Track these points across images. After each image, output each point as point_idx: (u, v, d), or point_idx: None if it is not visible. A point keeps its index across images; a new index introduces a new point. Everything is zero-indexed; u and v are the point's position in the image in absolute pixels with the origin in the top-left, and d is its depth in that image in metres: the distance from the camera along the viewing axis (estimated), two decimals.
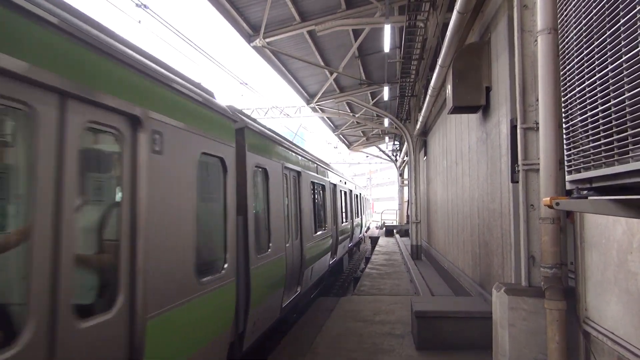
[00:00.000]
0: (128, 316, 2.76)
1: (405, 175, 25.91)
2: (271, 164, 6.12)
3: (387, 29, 9.49)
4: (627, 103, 1.54)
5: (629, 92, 1.52)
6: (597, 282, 3.44)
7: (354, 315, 7.66)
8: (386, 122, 20.72)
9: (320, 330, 6.77)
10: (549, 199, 2.31)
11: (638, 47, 1.46)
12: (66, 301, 2.25)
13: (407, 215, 20.36)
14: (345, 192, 14.89)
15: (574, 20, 2.01)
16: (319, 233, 9.49)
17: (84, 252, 2.61)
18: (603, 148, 1.74)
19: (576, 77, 2.00)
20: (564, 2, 2.14)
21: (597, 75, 1.77)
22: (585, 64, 1.89)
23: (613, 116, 1.65)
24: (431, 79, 8.73)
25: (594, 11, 1.78)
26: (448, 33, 6.52)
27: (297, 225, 7.67)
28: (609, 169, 1.68)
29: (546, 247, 3.82)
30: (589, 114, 1.86)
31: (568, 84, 2.13)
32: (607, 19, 1.66)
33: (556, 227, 3.80)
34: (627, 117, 1.55)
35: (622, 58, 1.56)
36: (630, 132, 1.54)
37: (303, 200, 8.04)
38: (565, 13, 2.14)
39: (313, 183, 9.24)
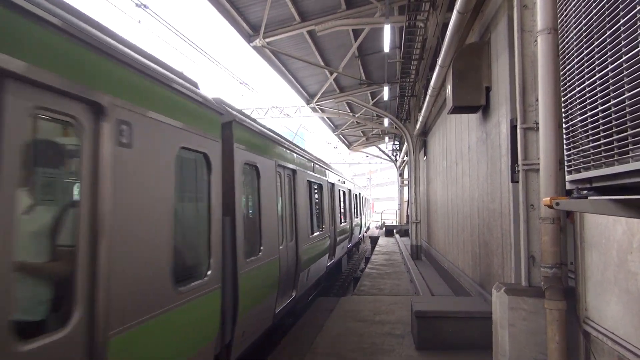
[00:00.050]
0: (86, 334, 2.40)
1: (405, 175, 25.92)
2: (263, 161, 5.76)
3: (387, 29, 9.49)
4: (627, 103, 1.54)
5: (629, 92, 1.52)
6: (597, 282, 3.44)
7: (353, 315, 7.66)
8: (386, 122, 20.73)
9: (320, 330, 6.77)
10: (549, 199, 2.31)
11: (638, 47, 1.46)
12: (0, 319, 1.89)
13: (407, 215, 20.36)
14: (344, 192, 14.76)
15: (574, 20, 2.01)
16: (316, 234, 9.18)
17: (30, 260, 2.30)
18: (603, 148, 1.74)
19: (576, 77, 2.00)
20: (564, 2, 2.14)
21: (597, 75, 1.77)
22: (585, 64, 1.89)
23: (613, 116, 1.64)
24: (431, 79, 8.73)
25: (594, 11, 1.78)
26: (448, 33, 6.52)
27: (292, 226, 7.34)
28: (609, 169, 1.68)
29: (546, 247, 3.82)
30: (589, 114, 1.86)
31: (568, 84, 2.13)
32: (607, 19, 1.66)
33: (556, 227, 3.80)
34: (627, 117, 1.55)
35: (622, 58, 1.56)
36: (630, 132, 1.54)
37: (299, 200, 7.73)
38: (565, 13, 2.14)
39: (310, 182, 8.95)
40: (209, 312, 3.88)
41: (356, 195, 19.43)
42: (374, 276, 11.90)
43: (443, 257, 11.30)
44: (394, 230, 26.75)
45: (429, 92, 9.34)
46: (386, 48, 10.38)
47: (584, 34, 1.89)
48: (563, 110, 2.23)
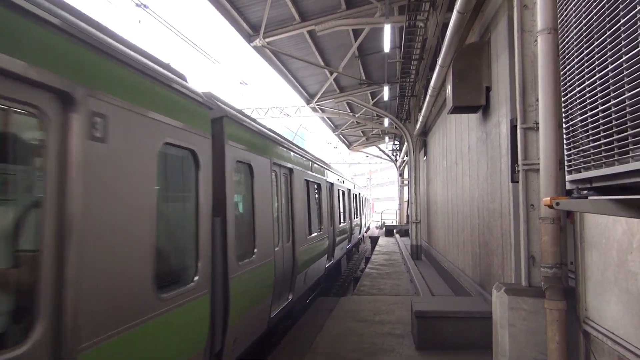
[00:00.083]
0: (50, 349, 2.16)
1: (405, 175, 25.93)
2: (257, 159, 5.52)
3: (387, 29, 9.49)
4: (627, 103, 1.54)
5: (629, 92, 1.52)
6: (597, 282, 3.44)
7: (354, 315, 7.66)
8: (386, 122, 20.73)
9: (320, 330, 6.77)
10: (549, 199, 2.31)
11: (638, 47, 1.46)
12: None
13: (407, 215, 20.36)
14: (343, 192, 14.65)
15: (574, 20, 2.01)
16: (313, 235, 8.95)
17: None
18: (603, 148, 1.74)
19: (576, 77, 2.00)
20: (564, 2, 2.14)
21: (597, 75, 1.77)
22: (585, 64, 1.89)
23: (613, 116, 1.64)
24: (431, 79, 8.73)
25: (594, 11, 1.78)
26: (448, 33, 6.52)
27: (289, 227, 7.09)
28: (609, 169, 1.68)
29: (546, 247, 3.82)
30: (589, 113, 1.86)
31: (568, 84, 2.13)
32: (607, 19, 1.66)
33: (556, 227, 3.80)
34: (627, 117, 1.55)
35: (622, 58, 1.56)
36: (630, 132, 1.54)
37: (295, 199, 7.48)
38: (565, 13, 2.14)
39: (307, 181, 8.72)
40: (196, 320, 3.66)
41: (356, 195, 19.37)
42: (374, 276, 11.90)
43: (443, 257, 11.30)
44: (394, 230, 26.76)
45: (429, 92, 9.34)
46: (386, 48, 10.38)
47: (584, 34, 1.89)
48: (563, 110, 2.23)
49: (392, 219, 38.66)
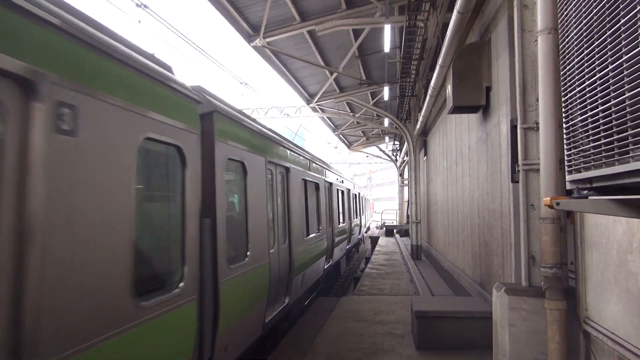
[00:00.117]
0: None
1: (405, 175, 25.94)
2: (251, 157, 5.25)
3: (387, 29, 9.49)
4: (627, 103, 1.54)
5: (629, 92, 1.52)
6: (597, 282, 3.44)
7: (354, 315, 7.66)
8: (386, 122, 20.74)
9: (320, 330, 6.77)
10: (549, 198, 2.31)
11: (638, 47, 1.46)
12: None
13: (407, 215, 20.37)
14: (342, 192, 14.56)
15: (574, 20, 2.01)
16: (311, 236, 8.71)
17: None
18: (603, 148, 1.74)
19: (576, 77, 2.00)
20: (564, 2, 2.14)
21: (598, 75, 1.77)
22: (586, 64, 1.89)
23: (613, 116, 1.65)
24: (431, 79, 8.73)
25: (594, 11, 1.78)
26: (448, 33, 6.52)
27: (285, 228, 6.87)
28: (609, 169, 1.68)
29: (546, 247, 3.82)
30: (589, 113, 1.86)
31: (568, 84, 2.13)
32: (608, 19, 1.66)
33: (556, 227, 3.80)
34: (628, 117, 1.55)
35: (622, 58, 1.56)
36: (630, 132, 1.54)
37: (292, 199, 7.25)
38: (565, 13, 2.14)
39: (305, 181, 8.47)
40: (181, 329, 3.43)
41: (355, 195, 19.31)
42: (374, 276, 11.90)
43: (443, 257, 11.30)
44: (394, 230, 26.77)
45: (429, 92, 9.34)
46: (386, 48, 10.38)
47: (584, 34, 1.89)
48: (563, 110, 2.23)
49: (392, 219, 38.68)
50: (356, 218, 18.91)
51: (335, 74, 15.15)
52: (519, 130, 4.29)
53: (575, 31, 2.00)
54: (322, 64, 14.31)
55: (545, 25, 3.64)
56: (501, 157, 5.73)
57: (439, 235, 12.31)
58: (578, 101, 2.00)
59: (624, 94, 1.56)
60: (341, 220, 13.98)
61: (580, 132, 1.98)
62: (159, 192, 3.58)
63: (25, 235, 2.06)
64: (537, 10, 3.80)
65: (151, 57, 3.40)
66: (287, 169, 7.13)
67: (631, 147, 1.54)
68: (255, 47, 11.87)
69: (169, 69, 3.67)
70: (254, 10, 10.66)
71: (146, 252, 3.21)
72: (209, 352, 3.96)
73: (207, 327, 3.90)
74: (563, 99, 2.22)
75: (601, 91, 1.74)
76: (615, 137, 1.63)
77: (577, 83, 2.00)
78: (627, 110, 1.54)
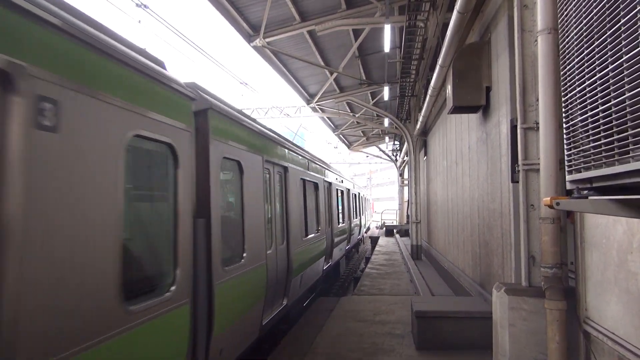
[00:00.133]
0: None
1: (405, 175, 25.95)
2: (247, 156, 5.13)
3: (387, 29, 9.50)
4: (627, 103, 1.54)
5: (630, 92, 1.52)
6: (597, 282, 3.44)
7: (354, 315, 7.66)
8: (386, 122, 20.74)
9: (320, 330, 6.77)
10: (549, 198, 2.31)
11: (638, 47, 1.46)
12: None
13: (407, 215, 20.37)
14: (342, 191, 14.49)
15: (574, 20, 2.01)
16: (310, 236, 8.58)
17: None
18: (603, 148, 1.74)
19: (576, 77, 2.00)
20: (564, 2, 2.14)
21: (598, 75, 1.77)
22: (586, 64, 1.89)
23: (613, 116, 1.65)
24: (431, 78, 8.73)
25: (595, 11, 1.78)
26: (448, 33, 6.52)
27: (283, 229, 6.74)
28: (609, 169, 1.68)
29: (546, 247, 3.82)
30: (590, 113, 1.86)
31: (568, 84, 2.13)
32: (608, 19, 1.66)
33: (556, 227, 3.80)
34: (628, 117, 1.55)
35: (622, 58, 1.56)
36: (630, 132, 1.54)
37: (290, 199, 7.13)
38: (565, 13, 2.14)
39: (304, 180, 8.36)
40: (172, 334, 3.32)
41: (355, 195, 19.26)
42: (374, 276, 11.90)
43: (443, 257, 11.30)
44: (394, 230, 26.77)
45: (429, 92, 9.34)
46: (386, 48, 10.39)
47: (585, 34, 1.89)
48: (563, 110, 2.23)
49: (392, 219, 38.69)
50: (356, 218, 18.86)
51: (335, 74, 15.15)
52: (519, 130, 4.29)
53: (575, 31, 2.00)
54: (322, 64, 14.31)
55: (545, 25, 3.64)
56: (501, 157, 5.73)
57: (439, 235, 12.31)
58: (578, 101, 2.00)
59: (624, 94, 1.56)
60: (341, 221, 13.93)
61: (580, 132, 1.98)
62: (149, 191, 3.47)
63: (1, 236, 1.96)
64: (537, 10, 3.80)
65: (142, 52, 3.30)
66: (285, 169, 7.03)
67: (631, 147, 1.54)
68: (255, 47, 11.88)
69: (161, 64, 3.58)
70: (254, 10, 10.66)
71: (135, 255, 3.11)
72: (203, 356, 3.88)
73: (200, 331, 3.79)
74: (563, 99, 2.22)
75: (601, 91, 1.74)
76: (615, 137, 1.63)
77: (577, 83, 2.00)
78: (627, 110, 1.54)
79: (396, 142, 28.84)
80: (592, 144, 1.85)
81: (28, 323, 2.03)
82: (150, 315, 2.96)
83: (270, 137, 6.26)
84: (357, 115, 22.49)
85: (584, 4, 1.89)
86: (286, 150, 7.17)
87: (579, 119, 1.99)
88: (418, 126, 13.70)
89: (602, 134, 1.74)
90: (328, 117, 22.87)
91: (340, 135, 27.64)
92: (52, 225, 2.19)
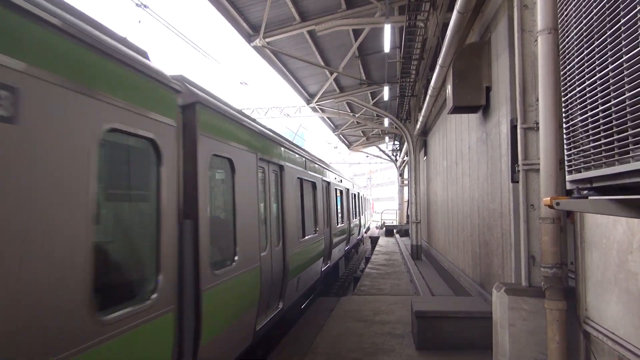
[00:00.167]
0: None
1: (405, 175, 25.95)
2: (239, 153, 4.87)
3: (387, 29, 9.50)
4: (627, 103, 1.54)
5: (630, 92, 1.52)
6: (597, 282, 3.44)
7: (354, 315, 7.66)
8: (386, 122, 20.74)
9: (320, 330, 6.77)
10: (549, 198, 2.31)
11: (638, 47, 1.46)
12: None
13: (407, 215, 20.37)
14: (341, 191, 14.36)
15: (574, 20, 2.01)
16: (308, 237, 8.35)
17: None
18: (603, 148, 1.74)
19: (576, 77, 2.00)
20: (564, 2, 2.14)
21: (598, 75, 1.77)
22: (586, 64, 1.89)
23: (613, 116, 1.65)
24: (431, 78, 8.74)
25: (595, 11, 1.78)
26: (448, 33, 6.52)
27: (279, 230, 6.53)
28: (610, 169, 1.68)
29: (546, 247, 3.82)
30: (590, 113, 1.86)
31: (568, 84, 2.13)
32: (608, 19, 1.66)
33: (556, 227, 3.80)
34: (628, 117, 1.55)
35: (622, 58, 1.56)
36: (630, 132, 1.54)
37: (287, 199, 6.90)
38: (565, 13, 2.14)
39: (301, 180, 8.14)
40: (154, 344, 3.08)
41: (355, 194, 19.19)
42: (374, 276, 11.90)
43: (443, 257, 11.30)
44: (394, 230, 26.78)
45: (429, 92, 9.34)
46: (386, 48, 10.39)
47: (585, 34, 1.89)
48: (563, 110, 2.23)
49: (392, 219, 38.69)
50: (355, 218, 18.78)
51: (335, 74, 15.16)
52: (519, 130, 4.30)
53: (575, 31, 2.00)
54: (322, 64, 14.31)
55: (545, 25, 3.64)
56: (501, 157, 5.73)
57: (439, 235, 12.31)
58: (578, 101, 2.00)
59: (624, 94, 1.56)
60: (340, 221, 13.84)
61: (580, 132, 1.99)
62: (127, 190, 3.24)
63: None
64: (537, 10, 3.80)
65: (122, 41, 3.06)
66: (281, 167, 6.80)
67: (631, 147, 1.54)
68: (255, 47, 11.88)
69: (143, 54, 3.35)
70: (254, 10, 10.67)
71: (110, 259, 2.90)
72: None
73: (187, 341, 3.53)
74: (563, 99, 2.22)
75: (601, 91, 1.74)
76: (616, 137, 1.63)
77: (577, 83, 2.00)
78: (627, 110, 1.54)
79: (396, 142, 28.85)
80: (592, 144, 1.85)
81: None
82: (127, 325, 2.73)
83: (265, 134, 6.05)
84: (357, 115, 22.50)
85: (584, 4, 1.89)
86: (282, 149, 6.95)
87: (579, 119, 1.99)
88: (418, 126, 13.70)
89: (602, 134, 1.74)
90: (328, 117, 22.87)
91: (340, 135, 27.64)
92: (6, 227, 1.96)
